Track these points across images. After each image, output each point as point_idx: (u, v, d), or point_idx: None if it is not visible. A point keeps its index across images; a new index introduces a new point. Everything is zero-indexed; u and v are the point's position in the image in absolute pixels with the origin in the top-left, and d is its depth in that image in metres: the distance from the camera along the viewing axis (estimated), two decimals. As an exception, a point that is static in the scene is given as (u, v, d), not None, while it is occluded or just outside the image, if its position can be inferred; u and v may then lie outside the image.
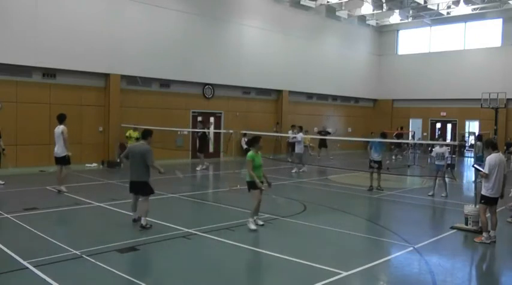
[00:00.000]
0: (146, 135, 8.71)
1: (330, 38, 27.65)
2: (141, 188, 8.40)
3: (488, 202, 8.03)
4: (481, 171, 8.07)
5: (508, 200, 9.55)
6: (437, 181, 12.83)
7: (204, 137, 18.49)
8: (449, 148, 13.02)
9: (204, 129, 18.52)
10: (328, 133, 24.25)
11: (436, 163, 12.65)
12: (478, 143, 9.64)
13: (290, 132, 20.57)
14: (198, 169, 17.90)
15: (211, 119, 22.23)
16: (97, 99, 17.96)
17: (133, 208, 8.63)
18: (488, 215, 8.19)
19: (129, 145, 8.79)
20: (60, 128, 11.55)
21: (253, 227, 8.14)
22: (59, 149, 11.58)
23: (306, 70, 25.64)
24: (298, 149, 17.67)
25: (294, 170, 17.48)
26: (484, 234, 7.96)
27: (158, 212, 9.83)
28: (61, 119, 11.67)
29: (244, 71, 22.48)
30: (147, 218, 8.19)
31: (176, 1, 19.89)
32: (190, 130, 20.15)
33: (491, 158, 8.02)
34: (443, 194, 12.51)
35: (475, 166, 8.41)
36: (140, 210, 8.36)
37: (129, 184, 8.53)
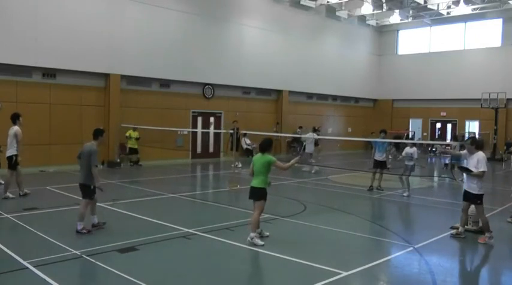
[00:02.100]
0: (96, 134, 8.22)
1: (330, 38, 27.65)
2: (82, 191, 8.01)
3: (482, 200, 8.02)
4: (472, 171, 7.97)
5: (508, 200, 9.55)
6: (403, 178, 12.82)
7: (237, 137, 18.65)
8: (419, 150, 13.04)
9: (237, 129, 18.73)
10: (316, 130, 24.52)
11: (406, 163, 12.66)
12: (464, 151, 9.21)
13: (298, 130, 20.98)
14: (233, 166, 18.17)
15: (211, 119, 22.24)
16: (97, 99, 17.96)
17: (92, 211, 8.19)
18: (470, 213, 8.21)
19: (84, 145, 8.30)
20: (13, 129, 10.76)
21: (261, 242, 7.33)
22: (7, 150, 10.82)
23: (306, 70, 25.64)
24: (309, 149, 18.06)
25: (313, 171, 17.60)
26: (487, 234, 7.95)
27: (158, 212, 9.85)
28: (14, 119, 10.88)
29: (244, 71, 22.48)
30: (83, 224, 7.83)
31: (176, 1, 19.89)
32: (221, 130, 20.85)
33: (484, 156, 8.02)
34: (405, 194, 12.46)
35: (464, 166, 8.22)
36: (78, 213, 7.93)
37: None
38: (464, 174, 8.18)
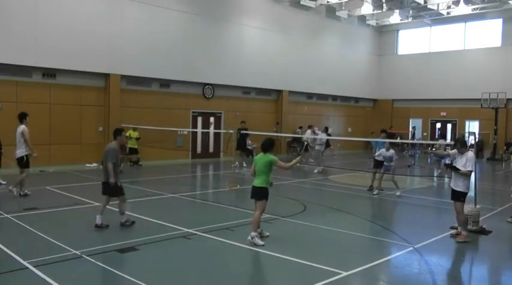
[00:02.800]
0: (115, 134, 8.52)
1: (330, 38, 27.65)
2: (106, 189, 8.27)
3: (465, 198, 8.07)
4: (460, 170, 7.97)
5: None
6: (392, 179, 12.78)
7: (244, 136, 18.66)
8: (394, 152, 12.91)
9: (245, 129, 18.74)
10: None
11: (385, 164, 12.59)
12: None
13: (298, 130, 20.97)
14: (233, 166, 18.15)
15: (211, 119, 22.24)
16: (97, 99, 17.97)
17: (101, 210, 8.26)
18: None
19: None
20: (20, 128, 10.90)
21: (261, 242, 7.31)
22: (17, 150, 10.94)
23: (306, 70, 25.65)
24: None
25: (316, 170, 17.60)
26: (464, 232, 8.02)
27: (158, 212, 9.85)
28: (21, 118, 11.03)
29: (244, 71, 22.48)
30: (126, 217, 8.35)
31: (176, 1, 19.89)
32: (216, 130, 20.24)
33: (473, 155, 8.05)
34: (397, 193, 12.40)
35: (454, 165, 8.19)
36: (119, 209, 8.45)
37: None
38: (453, 172, 8.22)
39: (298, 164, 8.31)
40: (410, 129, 29.41)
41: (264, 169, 7.50)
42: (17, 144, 11.01)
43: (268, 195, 7.59)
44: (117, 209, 8.57)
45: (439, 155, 8.68)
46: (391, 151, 12.56)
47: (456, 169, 8.04)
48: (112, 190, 8.22)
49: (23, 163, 11.01)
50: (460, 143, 8.23)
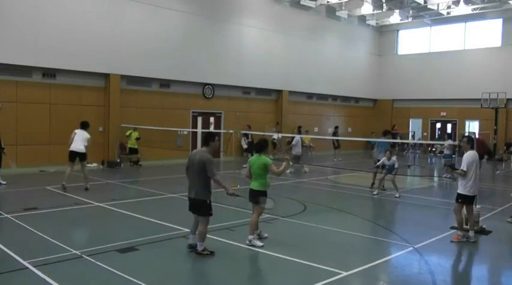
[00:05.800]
0: (207, 140, 6.97)
1: (330, 38, 27.64)
2: (197, 208, 6.88)
3: (466, 200, 8.02)
4: (456, 170, 8.00)
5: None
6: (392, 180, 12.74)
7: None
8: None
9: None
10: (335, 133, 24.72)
11: (387, 167, 12.58)
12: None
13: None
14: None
15: (211, 119, 22.23)
16: (97, 99, 17.96)
17: (192, 229, 7.05)
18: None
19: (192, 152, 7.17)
20: (87, 135, 12.29)
21: (260, 243, 7.31)
22: (81, 146, 12.14)
23: (306, 70, 25.63)
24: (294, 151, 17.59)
25: (289, 171, 17.37)
26: (460, 233, 8.00)
27: (158, 212, 9.85)
28: (86, 126, 12.53)
29: (244, 71, 22.48)
30: (204, 245, 6.82)
31: (176, 1, 19.88)
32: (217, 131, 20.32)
33: (469, 155, 7.98)
34: (396, 195, 12.33)
35: (450, 165, 8.28)
36: (197, 233, 6.88)
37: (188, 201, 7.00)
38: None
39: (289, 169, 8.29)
40: (415, 130, 29.44)
41: (260, 171, 7.46)
42: (74, 142, 12.21)
43: (267, 197, 7.55)
44: (116, 209, 8.56)
45: (459, 174, 8.16)
46: (393, 159, 12.54)
47: (453, 169, 8.07)
48: (203, 208, 6.81)
49: (85, 157, 12.37)
50: (467, 139, 8.19)
